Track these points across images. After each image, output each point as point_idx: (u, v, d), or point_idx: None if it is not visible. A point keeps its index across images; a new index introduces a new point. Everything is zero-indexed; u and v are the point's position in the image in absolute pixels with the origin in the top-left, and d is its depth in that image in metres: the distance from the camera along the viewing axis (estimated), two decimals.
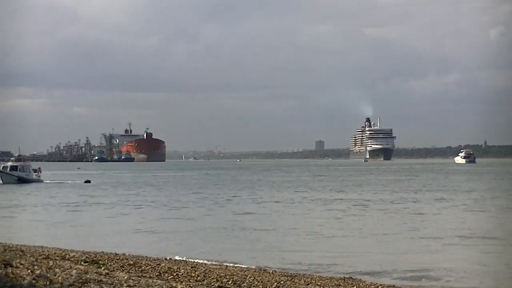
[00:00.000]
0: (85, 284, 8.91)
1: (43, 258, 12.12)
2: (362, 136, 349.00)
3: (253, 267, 17.30)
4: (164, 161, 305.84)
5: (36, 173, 74.67)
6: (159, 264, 14.49)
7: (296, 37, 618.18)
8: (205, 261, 17.99)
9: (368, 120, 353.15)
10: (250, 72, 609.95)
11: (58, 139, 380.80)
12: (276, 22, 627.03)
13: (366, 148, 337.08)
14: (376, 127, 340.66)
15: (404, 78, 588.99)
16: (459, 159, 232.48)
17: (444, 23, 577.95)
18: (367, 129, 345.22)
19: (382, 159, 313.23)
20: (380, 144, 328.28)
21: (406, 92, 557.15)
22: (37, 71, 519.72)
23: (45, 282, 8.53)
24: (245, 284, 12.64)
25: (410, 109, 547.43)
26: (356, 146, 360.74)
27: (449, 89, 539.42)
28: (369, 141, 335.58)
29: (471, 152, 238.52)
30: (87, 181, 73.96)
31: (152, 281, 10.78)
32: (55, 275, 9.13)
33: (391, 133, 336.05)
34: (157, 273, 12.72)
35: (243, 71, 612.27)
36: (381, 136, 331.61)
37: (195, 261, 17.56)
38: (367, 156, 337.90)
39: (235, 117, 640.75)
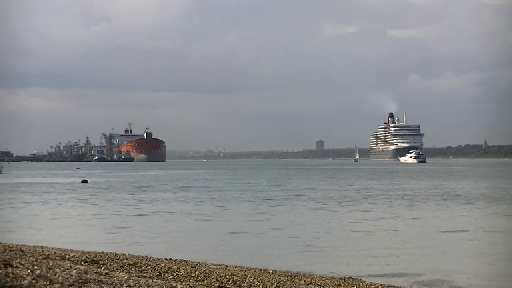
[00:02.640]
0: (85, 284, 8.91)
1: (43, 258, 12.12)
2: (385, 134, 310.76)
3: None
4: (164, 161, 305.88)
5: None
6: (159, 264, 14.49)
7: (314, 39, 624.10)
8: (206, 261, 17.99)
9: (391, 115, 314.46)
10: (261, 73, 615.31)
11: (58, 139, 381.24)
12: (301, 24, 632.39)
13: (389, 147, 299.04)
14: (401, 123, 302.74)
15: (421, 79, 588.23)
16: (407, 159, 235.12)
17: (471, 25, 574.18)
18: (391, 125, 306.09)
19: None
20: (407, 142, 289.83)
21: (422, 92, 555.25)
22: (52, 72, 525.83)
23: (45, 282, 8.53)
24: (245, 284, 12.63)
25: (425, 108, 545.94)
26: (378, 145, 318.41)
27: (466, 89, 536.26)
28: (394, 138, 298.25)
29: (421, 153, 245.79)
30: (84, 181, 73.83)
31: (152, 281, 10.77)
32: (55, 275, 9.13)
33: (419, 129, 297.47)
34: (157, 273, 12.72)
35: (253, 73, 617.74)
36: (407, 133, 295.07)
37: (195, 261, 17.55)
38: (357, 156, 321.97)
39: (235, 117, 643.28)
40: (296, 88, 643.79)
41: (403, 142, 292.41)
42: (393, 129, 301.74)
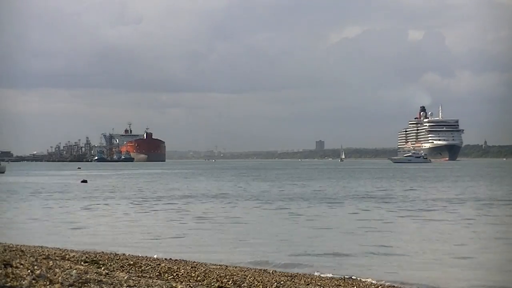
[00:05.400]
0: (85, 284, 8.91)
1: (43, 258, 12.12)
2: (417, 130, 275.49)
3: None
4: (164, 161, 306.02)
5: None
6: (159, 264, 14.49)
7: (330, 40, 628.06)
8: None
9: (423, 109, 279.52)
10: (273, 75, 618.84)
11: (58, 139, 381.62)
12: (323, 25, 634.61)
13: (422, 145, 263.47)
14: (437, 118, 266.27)
15: (439, 79, 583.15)
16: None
17: (498, 28, 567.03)
18: (425, 120, 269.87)
19: (447, 158, 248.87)
20: (444, 140, 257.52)
21: (438, 92, 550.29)
22: (69, 72, 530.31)
23: (45, 282, 8.53)
24: (245, 284, 12.62)
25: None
26: (409, 143, 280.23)
27: (484, 89, 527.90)
28: (429, 135, 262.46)
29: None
30: (84, 181, 73.75)
31: (152, 281, 10.77)
32: (55, 275, 9.13)
33: (458, 125, 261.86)
34: (157, 273, 12.71)
35: (265, 75, 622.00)
36: (444, 129, 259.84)
37: (195, 261, 17.55)
38: (343, 156, 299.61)
39: (235, 117, 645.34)
40: (303, 89, 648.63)
41: (439, 140, 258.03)
42: (427, 125, 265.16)
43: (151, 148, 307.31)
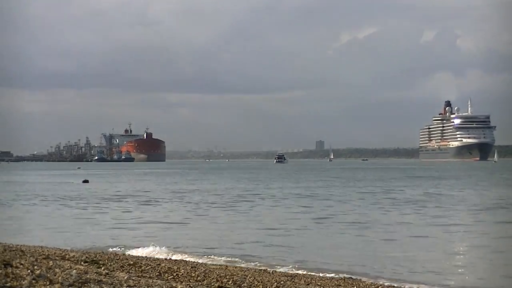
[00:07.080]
0: (85, 284, 8.90)
1: (43, 258, 12.11)
2: (442, 127, 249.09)
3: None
4: (164, 161, 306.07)
5: None
6: (159, 264, 14.48)
7: (339, 41, 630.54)
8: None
9: (448, 104, 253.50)
10: (277, 76, 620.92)
11: (58, 139, 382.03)
12: (339, 26, 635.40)
13: (449, 143, 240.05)
14: (465, 113, 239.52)
15: (452, 78, 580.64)
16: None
17: None
18: (452, 116, 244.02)
19: (478, 158, 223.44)
20: (475, 138, 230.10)
21: (449, 92, 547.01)
22: (81, 72, 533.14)
23: (45, 282, 8.52)
24: (245, 284, 12.62)
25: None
26: (433, 141, 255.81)
27: (495, 89, 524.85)
28: (457, 133, 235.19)
29: (283, 154, 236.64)
30: (85, 181, 73.73)
31: (152, 281, 10.76)
32: (55, 275, 9.12)
33: (489, 121, 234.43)
34: (157, 273, 12.70)
35: (270, 76, 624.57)
36: (474, 125, 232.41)
37: (195, 261, 17.56)
38: (332, 157, 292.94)
39: (235, 117, 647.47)
40: (308, 90, 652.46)
41: (469, 138, 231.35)
42: (455, 121, 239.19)
43: (151, 148, 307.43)
